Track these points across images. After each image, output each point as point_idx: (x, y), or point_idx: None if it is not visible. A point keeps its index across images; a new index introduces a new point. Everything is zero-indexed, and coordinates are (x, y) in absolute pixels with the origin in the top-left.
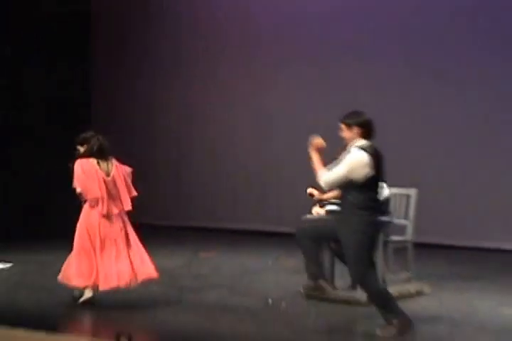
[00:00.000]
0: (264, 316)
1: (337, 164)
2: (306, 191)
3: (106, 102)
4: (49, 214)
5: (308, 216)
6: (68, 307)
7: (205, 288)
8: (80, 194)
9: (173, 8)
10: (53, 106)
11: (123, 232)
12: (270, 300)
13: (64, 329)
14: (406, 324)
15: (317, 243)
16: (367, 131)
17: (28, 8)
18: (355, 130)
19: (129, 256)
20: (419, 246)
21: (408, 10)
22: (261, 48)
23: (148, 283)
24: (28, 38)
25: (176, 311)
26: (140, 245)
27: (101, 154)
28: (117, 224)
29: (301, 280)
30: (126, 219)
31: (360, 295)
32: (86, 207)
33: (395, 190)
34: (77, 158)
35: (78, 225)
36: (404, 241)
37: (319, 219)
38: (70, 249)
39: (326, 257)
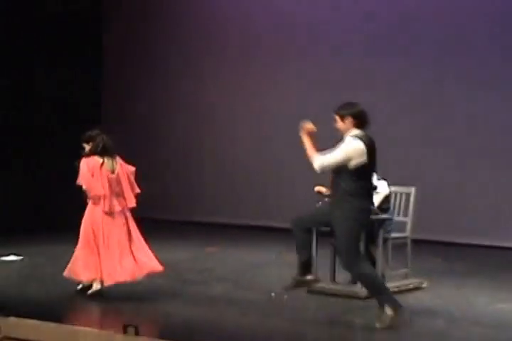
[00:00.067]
0: (267, 309)
1: (333, 150)
2: (313, 189)
3: (116, 102)
4: (59, 207)
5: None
6: (77, 299)
7: (210, 282)
8: (85, 191)
9: (180, 9)
10: (63, 106)
11: (125, 228)
12: (273, 294)
13: (72, 320)
14: (397, 310)
15: (311, 234)
16: (360, 121)
17: (38, 8)
18: (349, 120)
19: (132, 251)
20: (417, 242)
21: (408, 9)
22: (265, 48)
23: (154, 276)
24: (38, 38)
25: (182, 304)
26: (142, 240)
27: (106, 152)
28: (120, 221)
29: None
30: (129, 215)
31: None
32: (90, 203)
33: (395, 188)
34: (82, 156)
35: (83, 221)
36: (404, 238)
37: (317, 208)
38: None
39: (328, 252)
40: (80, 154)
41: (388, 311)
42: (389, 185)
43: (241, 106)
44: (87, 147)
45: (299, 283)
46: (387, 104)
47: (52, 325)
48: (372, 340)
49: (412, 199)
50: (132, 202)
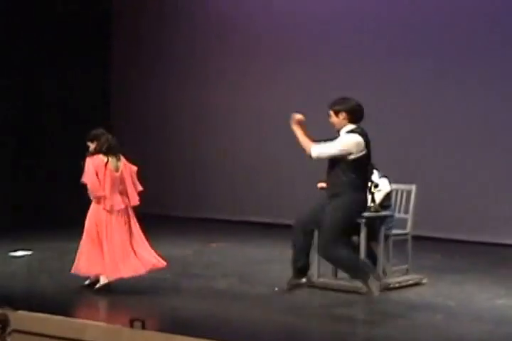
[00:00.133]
0: (271, 303)
1: (330, 142)
2: (315, 186)
3: (125, 103)
4: (68, 203)
5: None
6: (84, 294)
7: (215, 277)
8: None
9: (187, 8)
10: (71, 107)
11: (128, 226)
12: (276, 289)
13: (80, 314)
14: (379, 278)
15: (312, 237)
16: (355, 116)
17: (46, 8)
18: (344, 116)
19: (134, 248)
20: (418, 239)
21: (408, 10)
22: (266, 49)
23: (160, 271)
24: (46, 38)
25: (188, 298)
26: (143, 238)
27: (111, 151)
28: (123, 219)
29: None
30: (131, 213)
31: (361, 284)
32: (94, 201)
33: (396, 186)
34: (87, 155)
35: (87, 219)
36: (405, 235)
37: (318, 207)
38: None
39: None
40: (84, 153)
41: (373, 286)
42: (390, 182)
43: (243, 106)
44: (92, 146)
45: (294, 287)
46: (388, 103)
47: (60, 318)
48: (373, 335)
49: (412, 196)
50: (135, 201)
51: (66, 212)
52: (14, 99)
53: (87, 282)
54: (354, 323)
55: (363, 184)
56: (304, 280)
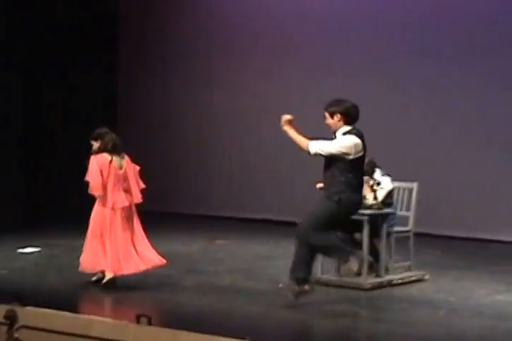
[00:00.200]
0: (275, 299)
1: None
2: (314, 186)
3: (131, 103)
4: (76, 200)
5: None
6: (91, 290)
7: (219, 273)
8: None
9: (192, 11)
10: (78, 107)
11: (130, 223)
12: (280, 285)
13: (87, 310)
14: (359, 256)
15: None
16: (350, 117)
17: (54, 12)
18: (339, 117)
19: (135, 246)
20: (419, 236)
21: (405, 8)
22: (267, 49)
23: (166, 268)
24: (54, 41)
25: (192, 294)
26: (144, 235)
27: (115, 150)
28: (126, 216)
29: None
30: (134, 210)
31: (364, 280)
32: (98, 200)
33: (398, 184)
34: (91, 153)
35: (91, 216)
36: (406, 232)
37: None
38: None
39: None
40: (89, 151)
41: (353, 264)
42: (392, 180)
43: (244, 106)
44: (96, 144)
45: (298, 294)
46: (389, 103)
47: (67, 314)
48: (375, 331)
49: (414, 194)
50: (138, 198)
51: (75, 209)
52: (19, 99)
53: (94, 278)
54: (357, 319)
55: (359, 184)
56: (306, 287)
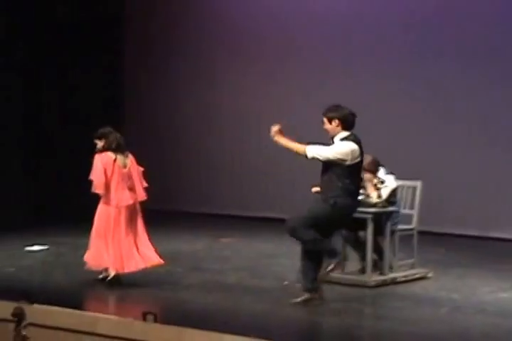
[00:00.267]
0: (281, 297)
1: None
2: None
3: (135, 105)
4: (83, 198)
5: None
6: (98, 288)
7: (225, 271)
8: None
9: (196, 12)
10: (83, 109)
11: (134, 222)
12: (286, 282)
13: (94, 307)
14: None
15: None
16: (347, 123)
17: (59, 10)
18: (337, 123)
19: (136, 244)
20: (423, 234)
21: (408, 9)
22: (270, 50)
23: (172, 266)
24: (57, 43)
25: (198, 292)
26: (146, 234)
27: (119, 149)
28: (130, 214)
29: None
30: (138, 208)
31: (368, 278)
32: (102, 198)
33: (402, 182)
34: (96, 152)
35: (96, 215)
36: (410, 230)
37: None
38: None
39: (337, 243)
40: (89, 151)
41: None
42: (396, 179)
43: (247, 107)
44: (100, 143)
45: (305, 302)
46: (393, 102)
47: (74, 312)
48: (379, 328)
49: (418, 192)
50: (143, 196)
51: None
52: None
53: (101, 276)
54: (361, 316)
55: (356, 190)
56: (315, 295)
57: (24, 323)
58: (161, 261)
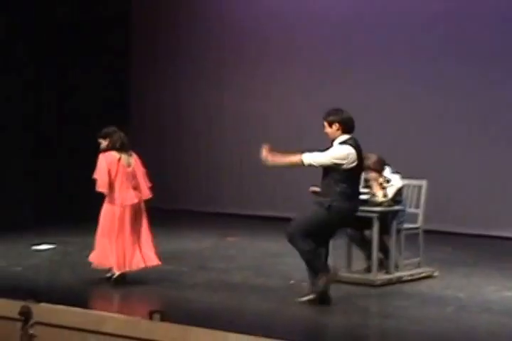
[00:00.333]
0: (286, 296)
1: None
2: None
3: (142, 106)
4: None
5: None
6: (104, 286)
7: (231, 270)
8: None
9: (203, 14)
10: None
11: (139, 220)
12: (292, 281)
13: (100, 306)
14: (329, 277)
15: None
16: (347, 126)
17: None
18: (337, 126)
19: (140, 243)
20: (429, 233)
21: (409, 10)
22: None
23: (178, 265)
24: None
25: (204, 291)
26: (149, 234)
27: (123, 148)
28: (135, 213)
29: None
30: (143, 207)
31: (374, 277)
32: (107, 197)
33: (408, 181)
34: (100, 151)
35: (101, 214)
36: (416, 229)
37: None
38: None
39: (344, 242)
40: (91, 150)
41: (321, 281)
42: (402, 178)
43: (251, 109)
44: (104, 143)
45: (327, 283)
46: (398, 102)
47: (81, 311)
48: (385, 327)
49: (423, 191)
50: (147, 194)
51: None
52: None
53: (108, 275)
54: (367, 315)
55: (354, 194)
56: (310, 296)
57: (31, 322)
58: (159, 262)
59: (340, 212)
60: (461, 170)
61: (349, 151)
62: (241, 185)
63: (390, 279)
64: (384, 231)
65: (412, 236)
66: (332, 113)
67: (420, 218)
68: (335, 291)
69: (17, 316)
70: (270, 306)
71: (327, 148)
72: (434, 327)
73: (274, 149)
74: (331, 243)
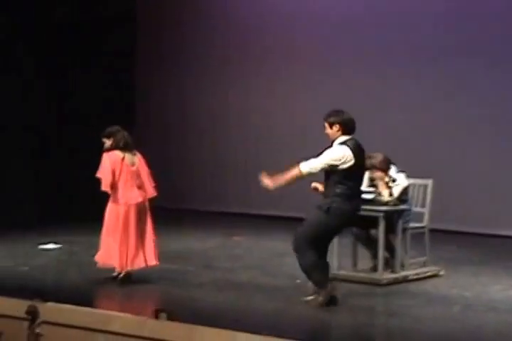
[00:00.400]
0: (293, 295)
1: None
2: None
3: (147, 105)
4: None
5: None
6: (111, 286)
7: (237, 269)
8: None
9: (207, 12)
10: (95, 109)
11: (143, 220)
12: (298, 280)
13: (106, 305)
14: (329, 293)
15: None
16: (347, 127)
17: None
18: (338, 127)
19: (143, 243)
20: (434, 232)
21: (411, 11)
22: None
23: (184, 264)
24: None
25: (210, 290)
26: (152, 233)
27: (127, 147)
28: (139, 212)
29: None
30: (147, 206)
31: (380, 276)
32: (111, 196)
33: (414, 181)
34: (104, 151)
35: (106, 213)
36: (422, 228)
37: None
38: None
39: (349, 241)
40: (93, 150)
41: (321, 296)
42: (407, 177)
43: (256, 107)
44: (108, 142)
45: (325, 297)
46: (404, 102)
47: (88, 310)
48: (391, 326)
49: (429, 190)
50: (151, 192)
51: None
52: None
53: (114, 274)
54: (373, 314)
55: (354, 194)
56: (309, 297)
57: (38, 321)
58: (157, 263)
59: (340, 213)
60: (467, 170)
61: (344, 151)
62: (246, 184)
63: (396, 278)
64: (390, 230)
65: (418, 235)
66: (333, 114)
67: (426, 217)
68: (341, 290)
69: (24, 315)
70: (276, 305)
71: (324, 150)
72: (440, 326)
73: (270, 173)
74: (337, 242)
